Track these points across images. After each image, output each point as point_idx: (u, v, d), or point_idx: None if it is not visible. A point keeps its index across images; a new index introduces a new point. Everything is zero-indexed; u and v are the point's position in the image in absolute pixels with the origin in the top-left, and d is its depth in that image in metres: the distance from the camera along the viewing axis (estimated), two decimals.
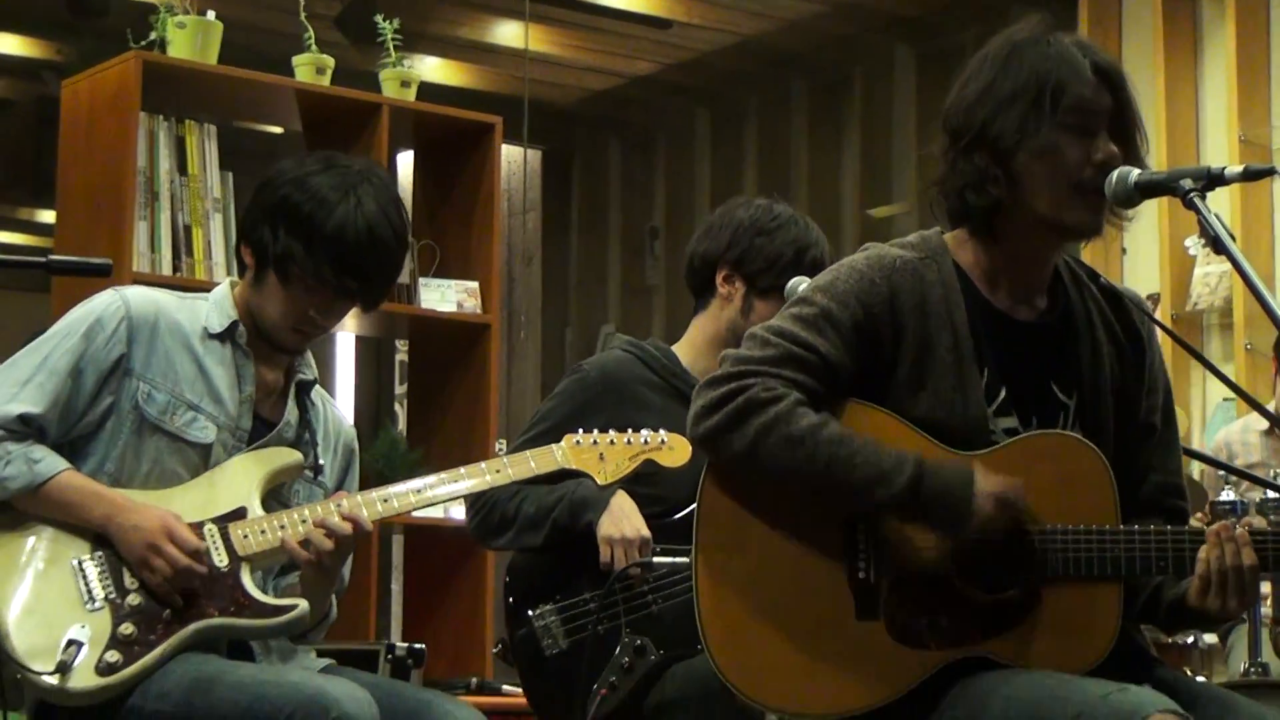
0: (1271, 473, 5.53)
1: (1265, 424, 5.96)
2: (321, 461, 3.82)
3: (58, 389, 3.55)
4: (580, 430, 3.79)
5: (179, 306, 3.70)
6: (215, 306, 3.72)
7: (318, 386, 3.88)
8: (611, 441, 3.79)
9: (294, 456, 3.74)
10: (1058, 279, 3.26)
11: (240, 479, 3.65)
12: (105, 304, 3.63)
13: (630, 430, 3.82)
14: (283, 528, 3.59)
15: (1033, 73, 3.11)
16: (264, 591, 3.61)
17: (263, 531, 3.59)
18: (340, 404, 4.10)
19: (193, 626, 3.49)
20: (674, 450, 3.83)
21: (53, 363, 3.57)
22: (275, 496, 3.71)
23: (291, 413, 3.79)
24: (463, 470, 3.72)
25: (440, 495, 3.74)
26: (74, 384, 3.57)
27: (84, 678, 3.40)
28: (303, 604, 3.57)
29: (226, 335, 3.70)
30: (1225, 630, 5.59)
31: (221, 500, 3.62)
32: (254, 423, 3.73)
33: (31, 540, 3.54)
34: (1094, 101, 3.11)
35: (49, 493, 3.52)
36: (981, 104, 3.14)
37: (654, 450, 3.84)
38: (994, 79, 3.14)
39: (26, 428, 3.53)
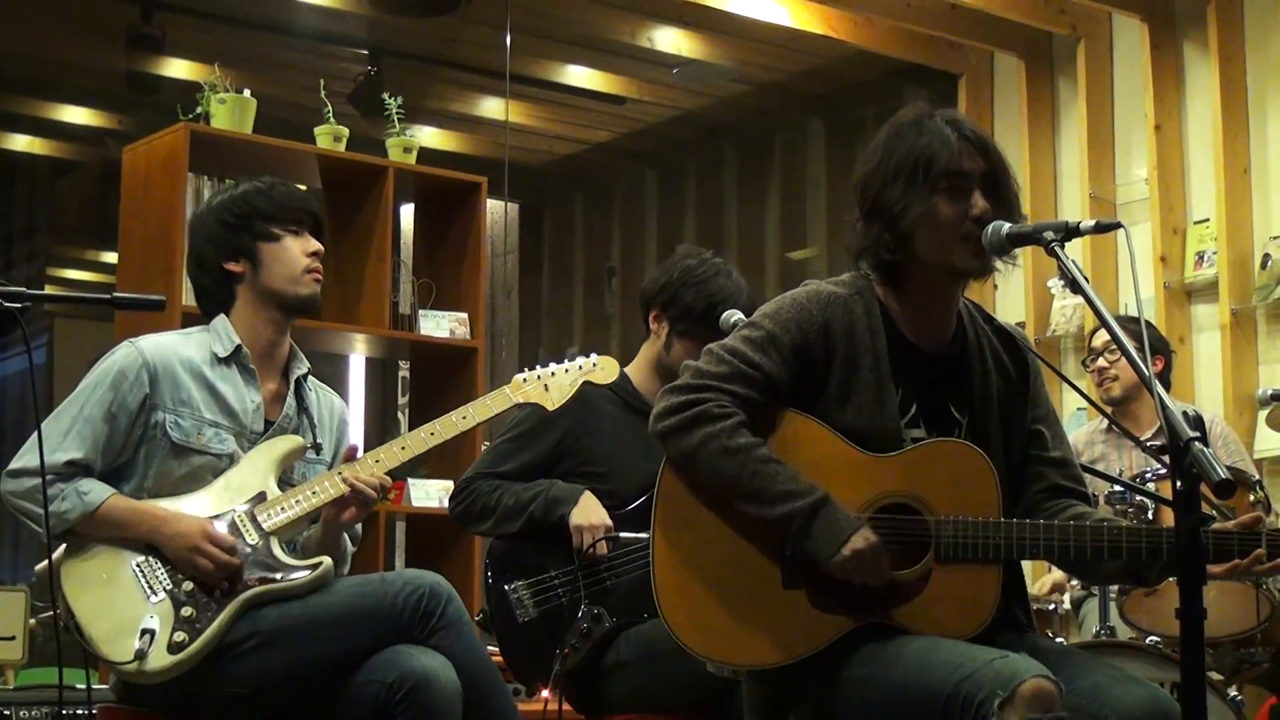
0: (1118, 469, 5.57)
1: (1105, 425, 6.00)
2: (320, 441, 3.83)
3: (95, 434, 3.56)
4: (524, 370, 3.81)
5: (184, 342, 3.71)
6: (217, 336, 3.72)
7: (310, 377, 3.88)
8: (553, 374, 3.82)
9: (296, 442, 3.74)
10: (960, 320, 3.27)
11: (256, 469, 3.66)
12: (124, 356, 3.64)
13: (567, 362, 3.83)
14: (298, 502, 3.62)
15: (909, 150, 3.13)
16: (294, 556, 3.63)
17: (283, 509, 3.61)
18: (353, 415, 4.09)
19: (241, 597, 3.51)
20: (604, 369, 3.90)
21: (88, 412, 3.58)
22: (285, 479, 3.71)
23: (290, 406, 3.78)
24: (436, 424, 3.73)
25: (421, 443, 3.72)
26: (109, 427, 3.57)
27: (159, 659, 3.42)
28: (327, 560, 3.60)
29: (232, 358, 3.70)
30: (1078, 600, 5.59)
31: (244, 489, 3.63)
32: (264, 425, 3.73)
33: (96, 559, 3.54)
34: (963, 166, 3.11)
35: (101, 517, 3.52)
36: (874, 180, 3.17)
37: (589, 373, 3.87)
38: (881, 158, 3.17)
39: (73, 469, 3.53)
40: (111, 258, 11.17)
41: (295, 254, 3.75)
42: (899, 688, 2.93)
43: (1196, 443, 2.48)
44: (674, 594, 3.11)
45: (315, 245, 3.79)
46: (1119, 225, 2.96)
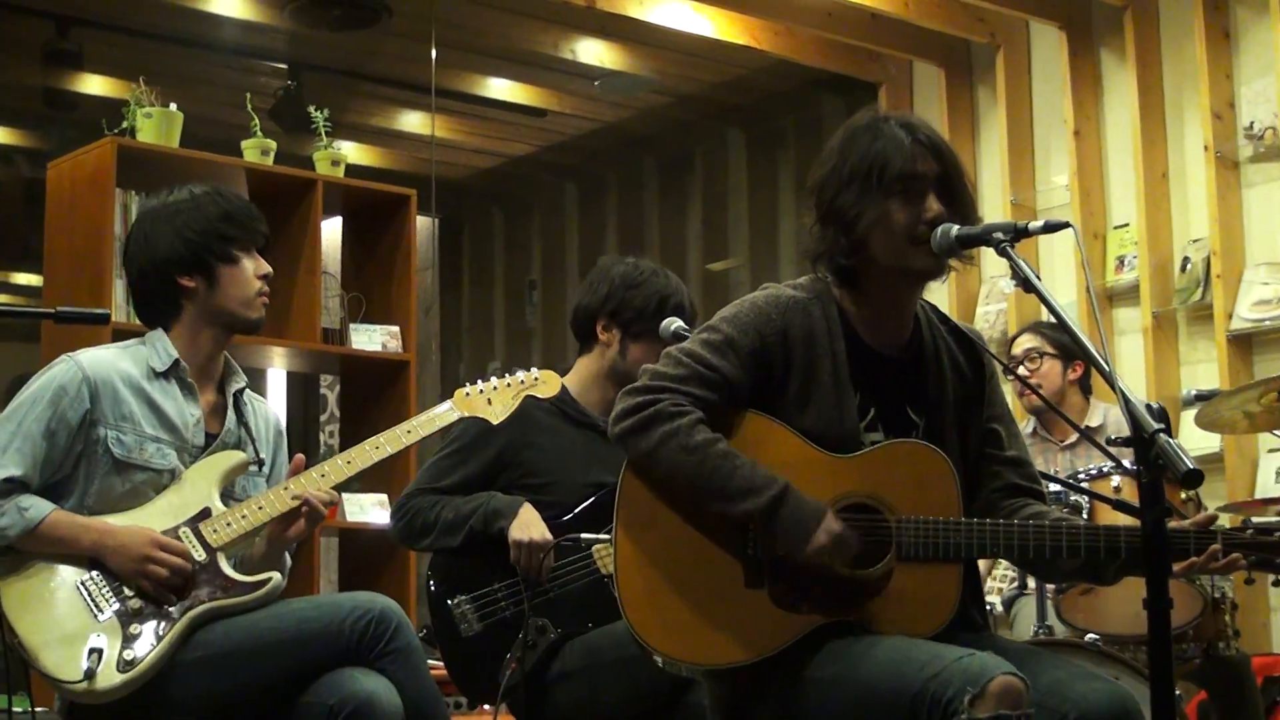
0: (1053, 471, 5.61)
1: (1031, 428, 6.05)
2: (262, 456, 3.80)
3: (34, 450, 3.51)
4: (466, 384, 3.79)
5: (122, 356, 3.66)
6: (154, 350, 3.68)
7: (248, 390, 3.85)
8: (495, 387, 3.81)
9: (240, 457, 3.71)
10: (917, 322, 3.29)
11: (199, 484, 3.62)
12: (64, 371, 3.58)
13: (508, 375, 3.82)
14: (244, 517, 3.57)
15: (863, 155, 3.14)
16: (239, 571, 3.59)
17: (229, 524, 3.57)
18: None
19: (190, 614, 3.46)
20: (546, 384, 3.89)
21: (26, 428, 3.52)
22: (227, 493, 3.67)
23: (231, 420, 3.75)
24: (381, 439, 3.71)
25: (367, 458, 3.69)
26: (48, 444, 3.52)
27: (108, 677, 3.37)
28: (276, 575, 3.57)
29: (171, 373, 3.66)
30: (1009, 600, 5.62)
31: (188, 505, 3.58)
32: (205, 439, 3.69)
33: (38, 577, 3.48)
34: (917, 170, 3.13)
35: (43, 533, 3.47)
36: (829, 185, 3.18)
37: (531, 387, 3.85)
38: (836, 163, 3.18)
39: (11, 486, 3.48)
40: (24, 278, 11.05)
41: (249, 276, 3.72)
42: (865, 687, 2.94)
43: (1161, 434, 2.51)
44: (637, 594, 3.11)
45: (267, 268, 3.77)
46: (1067, 225, 2.98)
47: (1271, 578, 3.14)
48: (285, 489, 3.60)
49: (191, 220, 3.70)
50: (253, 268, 3.74)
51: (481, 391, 3.81)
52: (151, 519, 3.54)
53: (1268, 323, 6.66)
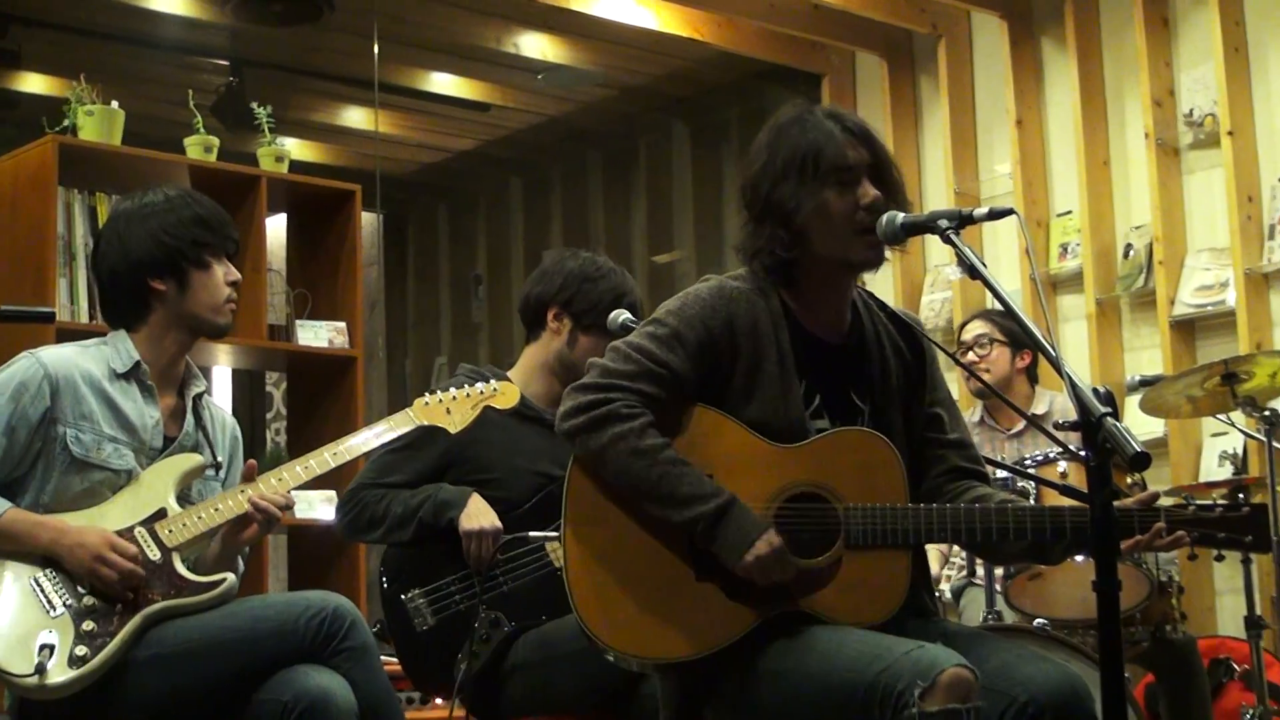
0: (1000, 457, 5.65)
1: (978, 416, 6.08)
2: (220, 459, 3.79)
3: None
4: (426, 393, 3.80)
5: (84, 355, 3.65)
6: (116, 351, 3.67)
7: (207, 396, 3.85)
8: (454, 397, 3.81)
9: (197, 460, 3.70)
10: (855, 309, 3.31)
11: (156, 485, 3.61)
12: (25, 368, 3.57)
13: (467, 385, 3.82)
14: (201, 519, 3.56)
15: (795, 147, 3.17)
16: (194, 572, 3.58)
17: (184, 524, 3.56)
18: None
19: (143, 612, 3.45)
20: (505, 394, 3.88)
21: None
22: (183, 496, 3.66)
23: (190, 424, 3.74)
24: (340, 445, 3.70)
25: (324, 464, 3.68)
26: (7, 440, 3.51)
27: (59, 673, 3.35)
28: (230, 577, 3.56)
29: (131, 374, 3.65)
30: (957, 588, 5.66)
31: (144, 505, 3.57)
32: (163, 441, 3.69)
33: None
34: (849, 159, 3.15)
35: (0, 530, 3.45)
36: (762, 181, 3.20)
37: (489, 398, 3.86)
38: (768, 158, 3.20)
39: None
40: None
41: (220, 283, 3.73)
42: (817, 679, 2.96)
43: (1109, 418, 2.54)
44: (587, 590, 3.11)
45: (237, 275, 3.78)
46: (1011, 211, 3.02)
47: (1214, 553, 3.18)
48: (242, 492, 3.60)
49: (166, 223, 3.70)
50: (223, 274, 3.74)
51: (440, 400, 3.80)
52: (107, 518, 3.53)
53: (1210, 308, 6.71)
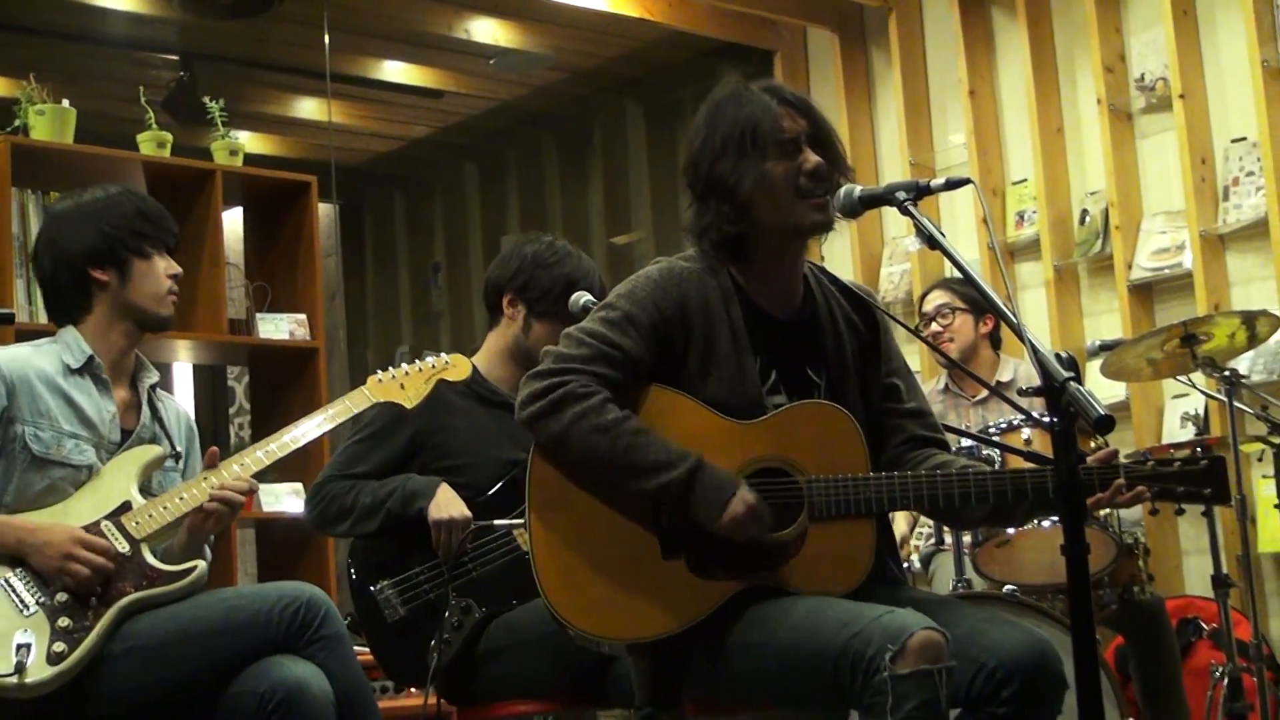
0: (964, 426, 5.67)
1: (942, 385, 6.10)
2: (178, 449, 3.80)
3: None
4: (379, 371, 3.80)
5: (36, 354, 3.66)
6: (67, 347, 3.68)
7: (159, 388, 3.86)
8: (406, 372, 3.83)
9: (157, 451, 3.71)
10: (807, 284, 3.31)
11: (118, 479, 3.61)
12: None
13: (418, 360, 3.84)
14: (166, 509, 3.57)
15: (733, 122, 3.18)
16: (163, 563, 3.57)
17: (150, 515, 3.56)
18: None
19: (117, 605, 3.46)
20: (458, 367, 3.91)
21: None
22: (144, 488, 3.66)
23: (146, 415, 3.75)
24: (297, 428, 3.71)
25: (284, 447, 3.70)
26: None
27: (38, 671, 3.35)
28: (201, 564, 3.57)
29: (85, 369, 3.65)
30: (926, 556, 5.68)
31: (108, 500, 3.58)
32: (121, 434, 3.69)
33: None
34: (787, 129, 3.17)
35: None
36: (703, 158, 3.21)
37: (442, 371, 3.88)
38: (707, 135, 3.21)
39: None
40: None
41: (160, 274, 3.77)
42: (788, 649, 2.97)
43: (1072, 382, 2.55)
44: (554, 575, 3.12)
45: (177, 268, 3.81)
46: (968, 181, 3.03)
47: (1175, 508, 3.20)
48: (205, 479, 3.60)
49: (107, 215, 3.74)
50: (164, 266, 3.78)
51: (394, 377, 3.83)
52: (72, 514, 3.54)
53: (1167, 271, 6.74)
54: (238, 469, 3.62)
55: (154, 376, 3.82)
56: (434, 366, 3.88)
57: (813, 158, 3.16)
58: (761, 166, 3.14)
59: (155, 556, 3.57)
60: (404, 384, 3.82)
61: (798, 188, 3.15)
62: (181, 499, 3.58)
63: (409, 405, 3.83)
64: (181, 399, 3.99)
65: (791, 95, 3.23)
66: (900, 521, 5.70)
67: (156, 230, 3.77)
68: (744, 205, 3.16)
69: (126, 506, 3.57)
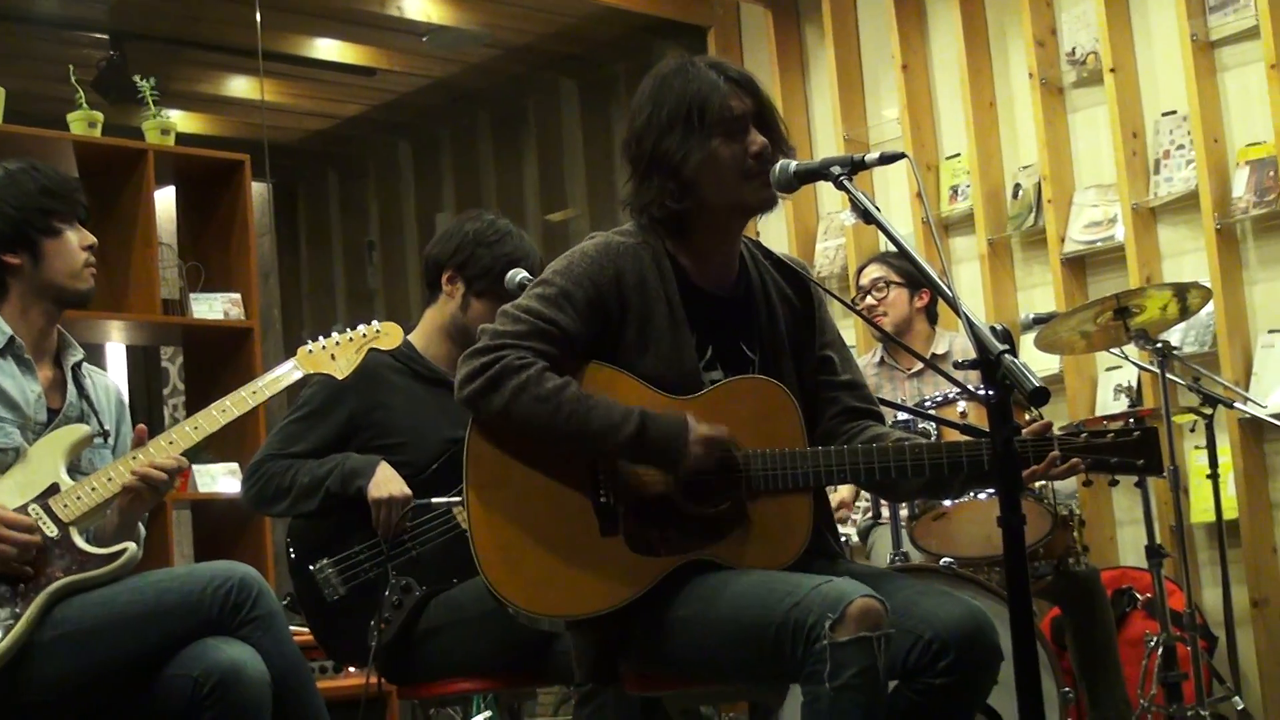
0: (900, 399, 5.71)
1: (878, 358, 6.13)
2: (106, 427, 3.75)
3: None
4: (308, 341, 3.78)
5: None
6: None
7: (85, 363, 3.81)
8: (337, 342, 3.80)
9: (84, 430, 3.65)
10: (742, 260, 3.32)
11: (45, 461, 3.56)
12: None
13: (349, 330, 3.82)
14: (94, 490, 3.53)
15: (680, 98, 3.18)
16: (94, 545, 3.54)
17: (79, 497, 3.52)
18: None
19: (46, 591, 3.41)
20: (389, 335, 3.88)
21: None
22: (74, 467, 3.62)
23: (72, 394, 3.70)
24: (227, 401, 3.66)
25: (214, 421, 3.65)
26: None
27: None
28: (131, 546, 3.53)
29: (6, 350, 3.61)
30: (864, 530, 5.71)
31: (35, 482, 3.53)
32: (47, 414, 3.64)
33: None
34: (734, 108, 3.17)
35: None
36: (648, 133, 3.20)
37: (373, 339, 3.85)
38: (652, 111, 3.21)
39: None
40: None
41: (74, 248, 3.70)
42: (728, 621, 2.98)
43: (1007, 355, 2.57)
44: (494, 553, 3.12)
45: (91, 239, 3.74)
46: (902, 155, 3.03)
47: (1109, 479, 3.22)
48: (134, 459, 3.56)
49: (9, 196, 3.66)
50: (77, 239, 3.71)
51: (324, 348, 3.79)
52: None
53: (1099, 244, 6.79)
54: (166, 445, 3.58)
55: (78, 354, 3.77)
56: (364, 335, 3.84)
57: (759, 139, 3.17)
58: (708, 145, 3.15)
59: (86, 539, 3.53)
60: (334, 354, 3.79)
61: (744, 169, 3.16)
62: (109, 479, 3.54)
63: (340, 376, 3.80)
64: (115, 380, 3.94)
65: (737, 73, 3.23)
66: (845, 490, 5.72)
67: (62, 204, 3.69)
68: (688, 182, 3.17)
69: (54, 489, 3.52)
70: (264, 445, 4.29)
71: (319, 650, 4.33)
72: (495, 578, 3.11)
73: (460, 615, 4.04)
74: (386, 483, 4.07)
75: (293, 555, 4.18)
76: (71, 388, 3.71)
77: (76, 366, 3.75)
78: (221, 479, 5.99)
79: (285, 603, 4.12)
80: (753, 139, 3.17)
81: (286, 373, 3.74)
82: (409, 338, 4.34)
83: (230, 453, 5.95)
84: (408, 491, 4.07)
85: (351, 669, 5.14)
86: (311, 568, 4.14)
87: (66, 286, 3.68)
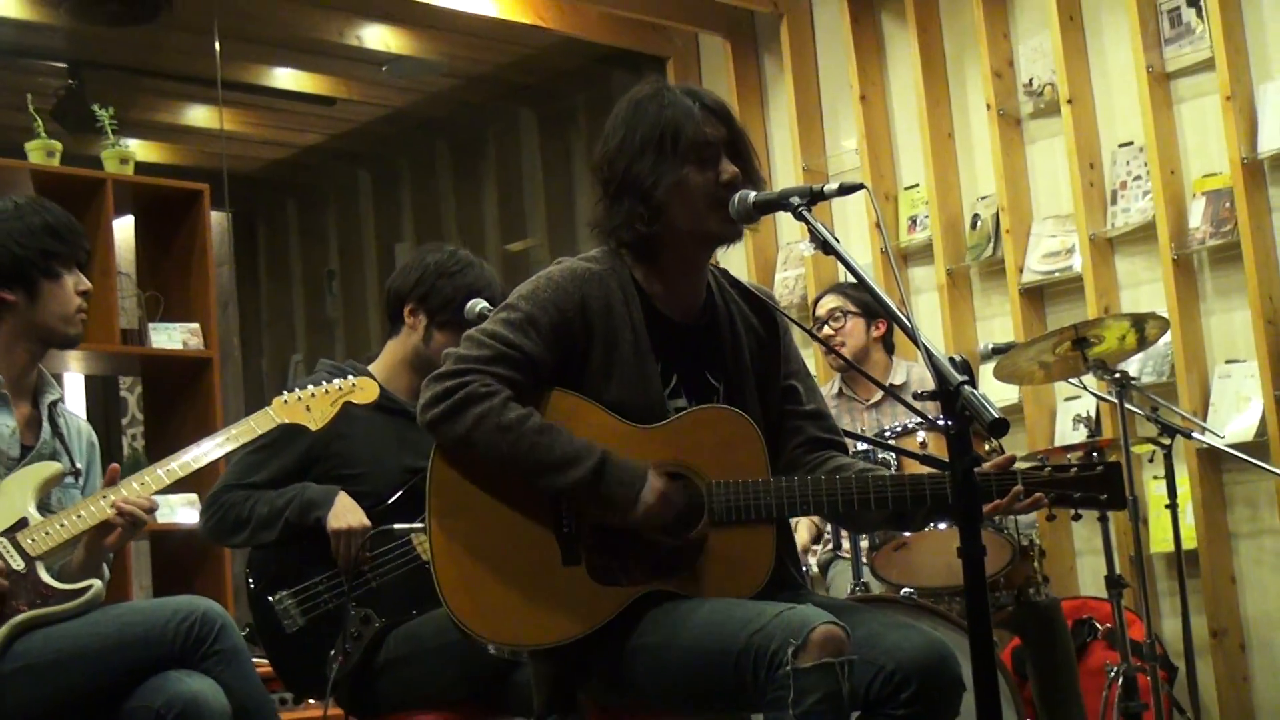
0: (860, 430, 5.71)
1: (836, 389, 6.13)
2: (79, 466, 3.75)
3: None
4: (284, 392, 3.77)
5: None
6: None
7: (61, 404, 3.81)
8: (313, 395, 3.80)
9: (55, 468, 3.66)
10: (708, 288, 3.33)
11: (15, 496, 3.56)
12: None
13: (326, 382, 3.80)
14: (64, 526, 3.52)
15: (654, 123, 3.18)
16: (59, 580, 3.53)
17: (47, 533, 3.51)
18: None
19: (10, 623, 3.41)
20: (364, 390, 3.89)
21: None
22: (43, 505, 3.61)
23: (46, 432, 3.70)
24: (200, 447, 3.66)
25: (186, 467, 3.65)
26: None
27: None
28: (97, 582, 3.52)
29: None
30: (824, 562, 5.71)
31: (4, 517, 3.53)
32: (20, 450, 3.64)
33: None
34: (708, 135, 3.18)
35: None
36: (620, 156, 3.20)
37: (349, 393, 3.86)
38: (625, 134, 3.21)
39: None
40: None
41: (70, 293, 3.70)
42: (690, 649, 2.98)
43: (966, 386, 2.58)
44: (455, 581, 3.12)
45: (87, 284, 3.76)
46: (861, 186, 3.05)
47: (1071, 513, 3.23)
48: (104, 497, 3.55)
49: (14, 231, 3.65)
50: (74, 284, 3.71)
51: (300, 399, 3.79)
52: None
53: (1057, 274, 6.82)
54: (138, 487, 3.57)
55: (56, 393, 3.78)
56: (340, 389, 3.85)
57: (730, 168, 3.18)
58: (680, 171, 3.15)
59: (52, 574, 3.52)
60: (309, 405, 3.78)
61: (715, 198, 3.16)
62: (80, 516, 3.53)
63: (314, 427, 3.80)
64: (73, 410, 3.93)
65: (712, 101, 3.24)
66: (803, 531, 5.73)
67: (67, 248, 3.70)
68: (658, 207, 3.17)
69: (23, 523, 3.52)
70: (223, 476, 4.28)
71: (278, 681, 4.32)
72: (456, 605, 3.10)
73: (420, 647, 4.03)
74: (345, 513, 4.06)
75: (252, 586, 4.17)
76: (46, 426, 3.71)
77: (53, 405, 3.76)
78: (180, 510, 5.96)
79: (245, 633, 4.10)
80: (724, 168, 3.18)
81: (261, 421, 3.74)
82: (370, 368, 4.33)
83: (189, 484, 5.90)
84: (366, 522, 4.06)
85: (312, 701, 5.11)
86: (271, 598, 4.12)
87: (56, 329, 3.69)
